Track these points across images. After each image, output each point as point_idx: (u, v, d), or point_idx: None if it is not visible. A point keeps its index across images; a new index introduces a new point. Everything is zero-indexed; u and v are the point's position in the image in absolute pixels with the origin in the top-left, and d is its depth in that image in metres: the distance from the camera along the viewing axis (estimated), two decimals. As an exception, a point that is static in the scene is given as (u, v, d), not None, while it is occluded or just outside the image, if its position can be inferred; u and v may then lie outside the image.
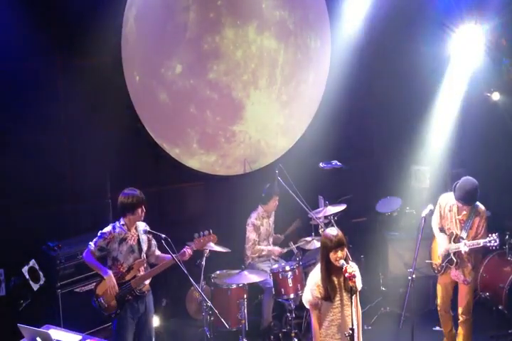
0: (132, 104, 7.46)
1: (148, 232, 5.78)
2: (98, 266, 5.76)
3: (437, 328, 6.81)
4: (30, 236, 6.80)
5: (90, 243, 5.79)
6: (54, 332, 5.09)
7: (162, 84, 7.69)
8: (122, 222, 5.80)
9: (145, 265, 5.89)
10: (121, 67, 7.31)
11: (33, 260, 6.85)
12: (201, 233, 5.90)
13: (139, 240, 5.83)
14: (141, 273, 5.82)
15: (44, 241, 6.87)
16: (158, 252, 6.03)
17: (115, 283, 5.69)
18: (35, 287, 6.84)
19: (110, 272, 5.72)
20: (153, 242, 5.98)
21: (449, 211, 6.27)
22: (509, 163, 8.44)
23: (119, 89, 7.32)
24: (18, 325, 4.87)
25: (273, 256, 7.53)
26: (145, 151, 7.74)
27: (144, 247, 5.87)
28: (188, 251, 5.76)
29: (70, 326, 5.71)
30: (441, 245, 6.35)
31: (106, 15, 7.02)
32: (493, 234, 5.98)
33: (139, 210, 5.75)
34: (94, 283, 5.92)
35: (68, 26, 6.90)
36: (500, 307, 7.21)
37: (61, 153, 6.99)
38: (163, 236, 5.54)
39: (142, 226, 5.90)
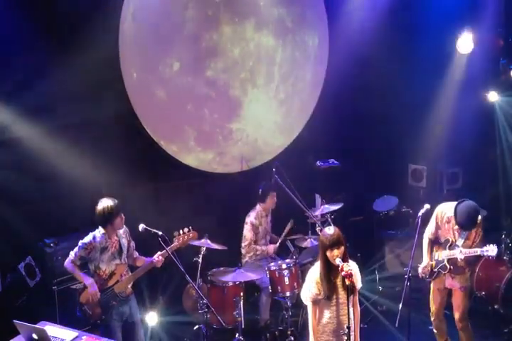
0: (129, 101, 7.45)
1: (145, 230, 5.76)
2: (79, 274, 5.76)
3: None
4: (27, 233, 6.80)
5: (71, 252, 5.78)
6: (50, 329, 5.08)
7: (159, 81, 7.68)
8: (103, 231, 5.75)
9: (126, 269, 5.86)
10: (119, 64, 7.30)
11: (30, 256, 6.85)
12: (181, 231, 5.88)
13: (120, 245, 5.81)
14: (124, 277, 5.80)
15: (40, 237, 6.87)
16: (136, 254, 6.03)
17: (97, 290, 5.68)
18: (32, 283, 6.84)
19: (92, 280, 5.71)
20: (132, 244, 5.98)
21: (447, 222, 5.98)
22: (505, 162, 8.46)
23: (116, 86, 7.31)
24: (14, 321, 4.86)
25: (269, 254, 7.51)
26: (142, 148, 7.73)
27: (125, 251, 5.85)
28: (159, 257, 5.74)
29: (66, 323, 5.69)
30: (424, 259, 6.12)
31: (104, 12, 7.01)
32: (491, 245, 5.75)
33: (118, 219, 5.71)
34: (78, 292, 5.89)
35: (65, 23, 6.90)
36: (496, 307, 7.20)
37: (58, 150, 6.97)
38: (160, 233, 5.52)
39: (122, 230, 5.88)
